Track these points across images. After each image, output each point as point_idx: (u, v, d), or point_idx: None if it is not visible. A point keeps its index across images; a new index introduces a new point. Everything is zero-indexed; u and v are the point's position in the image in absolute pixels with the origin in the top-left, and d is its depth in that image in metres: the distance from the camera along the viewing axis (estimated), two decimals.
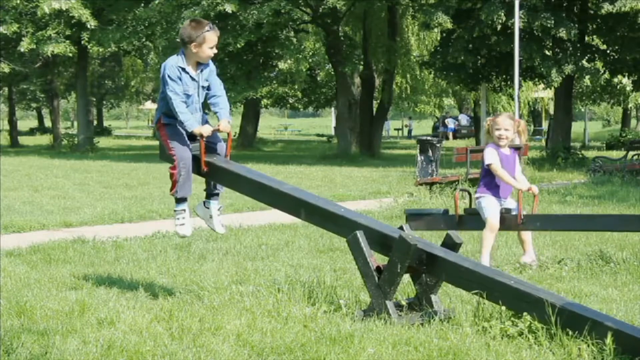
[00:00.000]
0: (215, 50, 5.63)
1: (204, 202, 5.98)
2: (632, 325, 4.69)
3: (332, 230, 5.61)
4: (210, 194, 5.96)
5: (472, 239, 8.08)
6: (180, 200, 5.80)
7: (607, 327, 4.34)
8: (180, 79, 5.56)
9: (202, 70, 5.68)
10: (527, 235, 7.19)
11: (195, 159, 5.74)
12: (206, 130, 5.61)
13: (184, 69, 5.59)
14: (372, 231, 5.21)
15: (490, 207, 6.93)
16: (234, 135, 40.81)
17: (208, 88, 5.74)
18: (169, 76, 5.55)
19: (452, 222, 7.28)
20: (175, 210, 5.87)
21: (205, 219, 5.96)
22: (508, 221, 7.04)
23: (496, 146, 6.98)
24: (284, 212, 5.79)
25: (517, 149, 7.31)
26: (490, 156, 6.92)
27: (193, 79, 5.64)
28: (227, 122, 5.70)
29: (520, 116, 8.16)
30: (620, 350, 4.28)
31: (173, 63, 5.59)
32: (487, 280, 4.87)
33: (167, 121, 5.70)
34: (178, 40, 5.86)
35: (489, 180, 7.00)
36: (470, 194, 7.52)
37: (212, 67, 5.76)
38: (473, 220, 7.21)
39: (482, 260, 6.81)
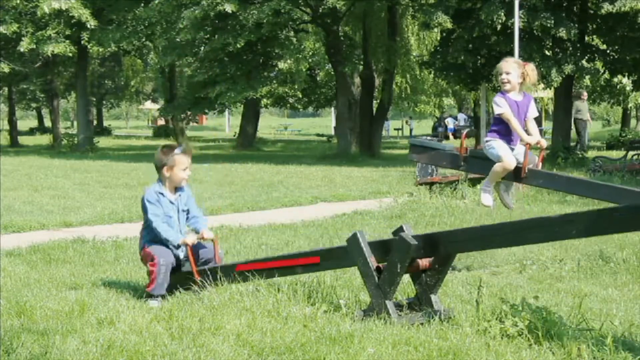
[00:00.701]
0: (188, 172, 5.95)
1: None
2: None
3: (334, 266, 5.66)
4: None
5: None
6: (153, 297, 5.82)
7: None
8: (159, 202, 5.88)
9: (180, 195, 5.99)
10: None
11: (185, 273, 5.93)
12: (190, 240, 5.87)
13: (162, 194, 5.90)
14: (370, 243, 5.22)
15: (502, 147, 6.55)
16: (234, 135, 40.24)
17: (187, 212, 6.06)
18: (148, 200, 5.88)
19: (456, 161, 6.96)
20: (150, 298, 5.80)
21: None
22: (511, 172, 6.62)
23: (502, 93, 6.58)
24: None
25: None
26: (500, 105, 6.53)
27: (172, 202, 5.94)
28: (208, 229, 6.02)
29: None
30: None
31: (151, 189, 5.94)
32: (485, 230, 4.95)
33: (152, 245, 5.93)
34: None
35: (500, 128, 6.62)
36: (478, 136, 7.23)
37: (189, 192, 6.10)
38: (478, 163, 6.84)
39: (484, 185, 6.66)
